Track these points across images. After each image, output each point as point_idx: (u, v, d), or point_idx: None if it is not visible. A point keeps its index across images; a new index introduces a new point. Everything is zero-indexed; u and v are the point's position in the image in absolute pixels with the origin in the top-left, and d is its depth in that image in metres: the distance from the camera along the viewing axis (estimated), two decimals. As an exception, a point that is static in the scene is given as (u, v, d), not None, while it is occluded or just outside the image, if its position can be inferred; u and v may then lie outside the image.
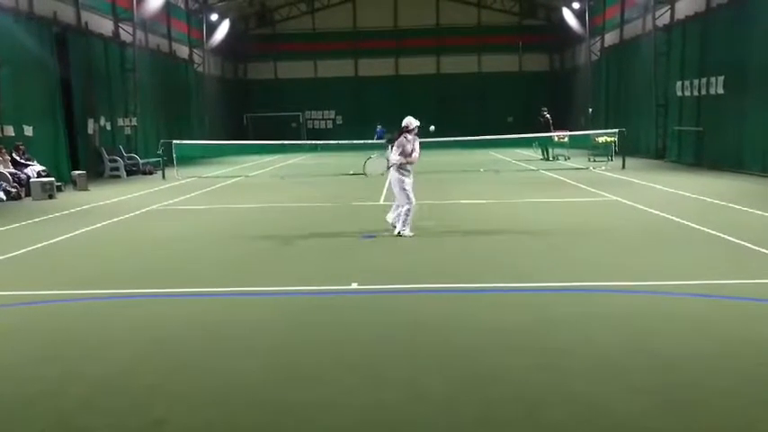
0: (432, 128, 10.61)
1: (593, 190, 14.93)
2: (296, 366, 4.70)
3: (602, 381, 4.32)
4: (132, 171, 22.64)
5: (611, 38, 31.10)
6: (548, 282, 6.82)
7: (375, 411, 3.98)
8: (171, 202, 14.71)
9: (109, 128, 23.48)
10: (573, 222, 10.69)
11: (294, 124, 41.46)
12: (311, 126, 42.47)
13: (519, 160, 25.05)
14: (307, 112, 42.48)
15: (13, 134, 17.52)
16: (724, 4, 19.55)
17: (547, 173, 19.73)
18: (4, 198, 15.33)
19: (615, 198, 13.38)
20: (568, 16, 34.39)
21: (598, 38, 32.44)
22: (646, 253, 8.16)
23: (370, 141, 26.17)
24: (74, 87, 20.94)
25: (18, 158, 16.94)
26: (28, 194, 15.87)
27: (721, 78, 19.46)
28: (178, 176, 20.54)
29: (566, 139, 24.81)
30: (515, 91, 40.23)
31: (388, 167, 9.88)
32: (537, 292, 6.53)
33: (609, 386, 4.23)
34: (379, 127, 33.76)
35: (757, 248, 8.14)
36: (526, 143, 28.54)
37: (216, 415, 3.97)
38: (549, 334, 5.25)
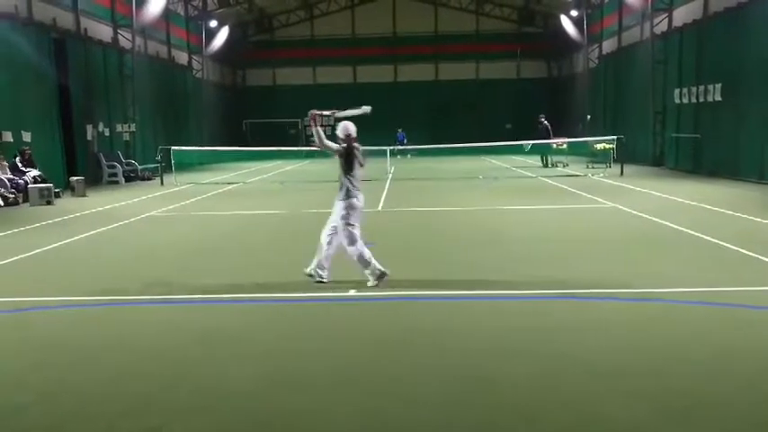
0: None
1: (591, 197, 14.92)
2: (291, 373, 4.67)
3: (600, 387, 4.29)
4: (130, 177, 22.65)
5: (608, 45, 31.19)
6: (546, 289, 6.80)
7: (371, 418, 3.95)
8: (168, 208, 14.68)
9: (107, 134, 23.47)
10: (571, 229, 10.68)
11: (293, 131, 41.45)
12: (310, 133, 42.38)
13: (517, 167, 25.05)
14: (305, 119, 42.35)
15: (12, 140, 17.50)
16: (721, 12, 19.61)
17: (546, 180, 19.74)
18: (2, 204, 15.30)
19: (613, 205, 13.37)
20: (566, 24, 34.49)
21: (596, 45, 32.53)
22: (644, 260, 8.14)
23: (366, 147, 26.10)
24: (72, 93, 20.93)
25: (20, 165, 16.89)
26: (26, 200, 15.85)
27: (719, 86, 19.51)
28: (176, 183, 20.51)
29: (564, 146, 24.86)
30: (513, 98, 40.22)
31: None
32: (535, 299, 6.51)
33: (607, 393, 4.20)
34: (399, 131, 34.54)
35: (755, 255, 8.13)
36: (525, 150, 28.54)
37: (208, 423, 3.94)
38: (548, 341, 5.23)
